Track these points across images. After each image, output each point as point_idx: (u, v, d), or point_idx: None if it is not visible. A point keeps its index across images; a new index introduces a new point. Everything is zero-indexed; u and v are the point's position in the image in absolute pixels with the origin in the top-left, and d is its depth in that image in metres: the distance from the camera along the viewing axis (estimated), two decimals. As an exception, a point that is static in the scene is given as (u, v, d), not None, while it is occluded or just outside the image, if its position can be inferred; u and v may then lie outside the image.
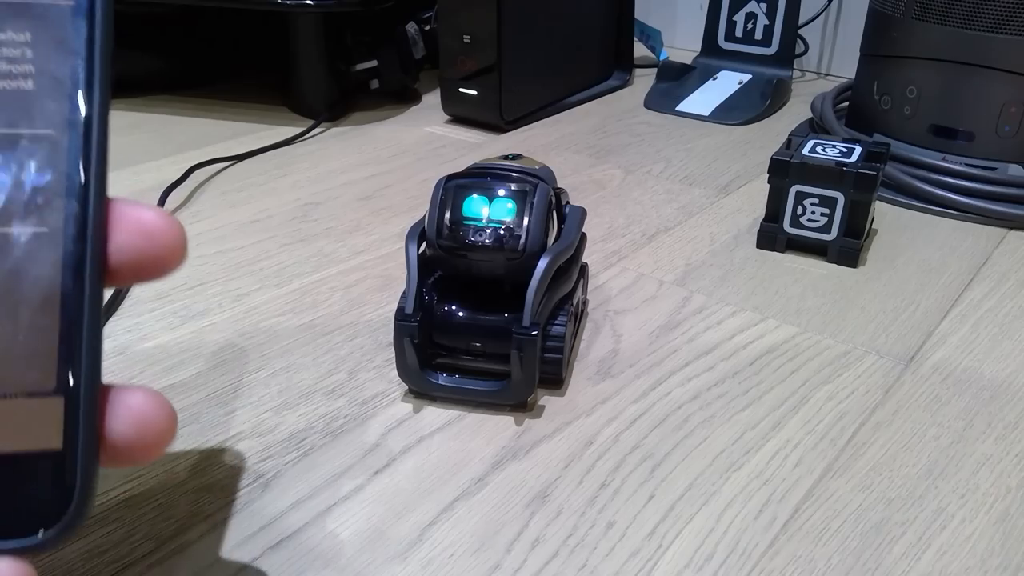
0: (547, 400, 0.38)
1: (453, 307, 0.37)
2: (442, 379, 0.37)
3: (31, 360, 0.16)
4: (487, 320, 0.36)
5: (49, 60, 0.17)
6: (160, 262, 0.17)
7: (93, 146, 0.17)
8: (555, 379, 0.38)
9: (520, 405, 0.37)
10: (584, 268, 0.42)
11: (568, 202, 0.40)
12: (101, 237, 0.17)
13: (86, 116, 0.17)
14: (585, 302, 0.45)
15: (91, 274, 0.16)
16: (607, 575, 0.28)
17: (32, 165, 0.16)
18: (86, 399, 0.16)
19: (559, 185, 0.40)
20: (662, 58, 0.93)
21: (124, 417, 0.17)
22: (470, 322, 0.36)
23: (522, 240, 0.35)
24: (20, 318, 0.16)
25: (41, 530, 0.16)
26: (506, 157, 0.39)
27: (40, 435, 0.16)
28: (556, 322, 0.37)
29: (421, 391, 0.37)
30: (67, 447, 0.16)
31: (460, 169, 0.38)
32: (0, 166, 0.16)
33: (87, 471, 0.16)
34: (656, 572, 0.29)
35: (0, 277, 0.16)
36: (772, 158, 0.50)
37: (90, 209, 0.16)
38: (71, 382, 0.16)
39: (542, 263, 0.35)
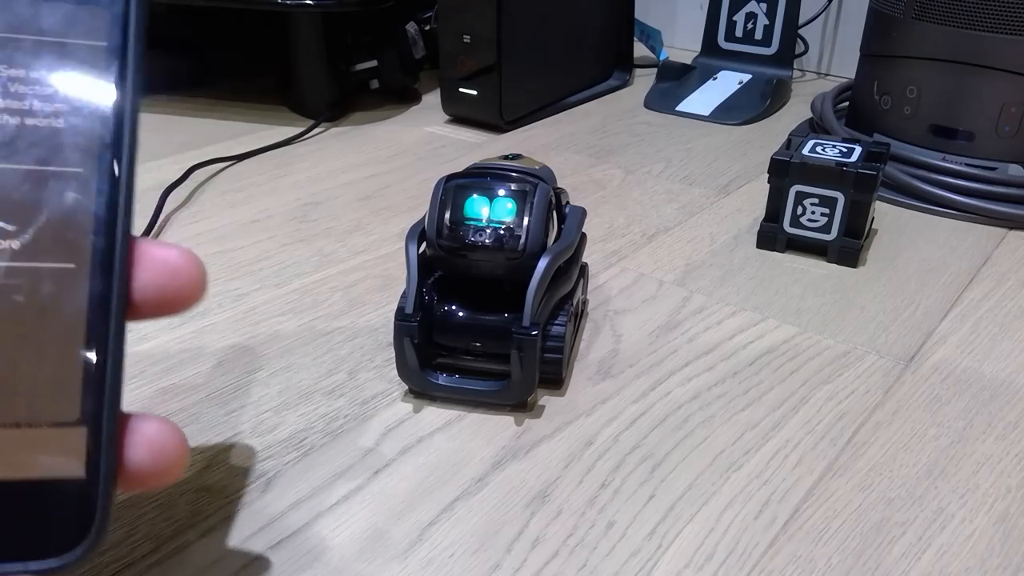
0: (547, 400, 0.38)
1: (453, 307, 0.37)
2: (442, 379, 0.37)
3: (57, 391, 0.16)
4: (487, 320, 0.36)
5: (81, 99, 0.17)
6: (181, 299, 0.18)
7: (121, 187, 0.17)
8: (555, 379, 0.38)
9: (520, 405, 0.37)
10: (584, 268, 0.42)
11: (568, 202, 0.40)
12: (126, 274, 0.17)
13: (114, 157, 0.17)
14: (585, 302, 0.45)
15: (116, 309, 0.17)
16: (607, 575, 0.28)
17: (61, 202, 0.17)
18: (109, 429, 0.17)
19: (559, 185, 0.40)
20: (662, 58, 0.93)
21: (141, 445, 0.17)
22: (470, 322, 0.36)
23: (522, 240, 0.35)
24: (47, 350, 0.16)
25: (61, 554, 0.16)
26: (506, 157, 0.39)
27: (64, 464, 0.16)
28: (556, 322, 0.37)
29: (421, 391, 0.37)
30: (89, 475, 0.16)
31: (460, 169, 0.38)
32: (30, 203, 0.16)
33: (107, 498, 0.17)
34: (656, 572, 0.29)
35: (29, 311, 0.16)
36: (772, 158, 0.50)
37: (117, 247, 0.17)
38: (95, 413, 0.16)
39: (542, 263, 0.35)
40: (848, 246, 0.50)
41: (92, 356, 0.17)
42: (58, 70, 0.17)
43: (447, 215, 0.35)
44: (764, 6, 0.84)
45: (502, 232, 0.35)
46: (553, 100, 0.81)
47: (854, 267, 0.50)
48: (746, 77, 0.85)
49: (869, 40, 0.65)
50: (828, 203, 0.49)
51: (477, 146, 0.71)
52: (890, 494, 0.32)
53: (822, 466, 0.34)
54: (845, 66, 0.94)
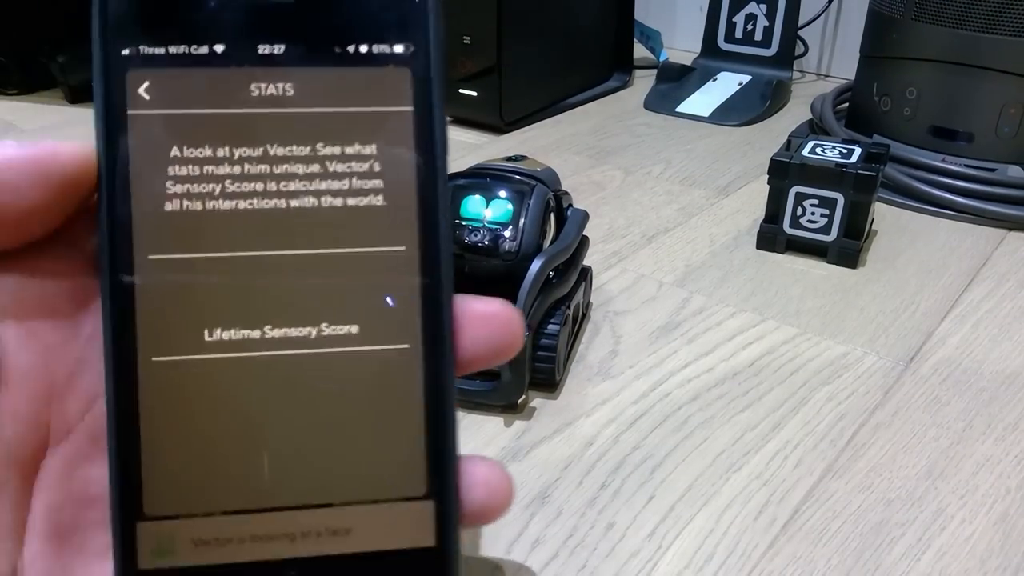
0: (547, 401, 0.38)
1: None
2: None
3: (404, 468, 0.17)
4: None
5: (395, 173, 0.17)
6: (506, 348, 0.18)
7: (443, 260, 0.17)
8: (548, 382, 0.38)
9: (510, 406, 0.37)
10: (587, 272, 0.42)
11: (571, 205, 0.40)
12: (454, 343, 0.17)
13: (433, 232, 0.17)
14: (589, 305, 0.44)
15: (449, 383, 0.17)
16: (607, 576, 0.28)
17: (390, 283, 0.17)
18: (454, 499, 0.17)
19: (562, 187, 0.40)
20: (662, 59, 0.93)
21: (476, 487, 0.18)
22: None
23: (516, 242, 0.35)
24: (393, 431, 0.17)
25: None
26: (510, 158, 0.39)
27: (416, 535, 0.17)
28: (549, 326, 0.37)
29: None
30: (439, 543, 0.17)
31: (460, 170, 0.38)
32: (362, 286, 0.17)
33: (456, 565, 0.17)
34: (656, 573, 0.29)
35: (373, 394, 0.17)
36: (772, 159, 0.50)
37: (446, 322, 0.17)
38: (442, 486, 0.17)
39: (534, 265, 0.35)
40: (848, 247, 0.50)
41: (433, 431, 0.17)
42: (370, 143, 0.17)
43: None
44: (764, 7, 0.84)
45: (497, 233, 0.35)
46: (553, 101, 0.81)
47: (854, 268, 0.50)
48: (746, 78, 0.85)
49: (869, 41, 0.65)
50: (828, 204, 0.49)
51: (477, 147, 0.71)
52: (890, 495, 0.32)
53: (822, 467, 0.34)
54: (845, 67, 0.94)
